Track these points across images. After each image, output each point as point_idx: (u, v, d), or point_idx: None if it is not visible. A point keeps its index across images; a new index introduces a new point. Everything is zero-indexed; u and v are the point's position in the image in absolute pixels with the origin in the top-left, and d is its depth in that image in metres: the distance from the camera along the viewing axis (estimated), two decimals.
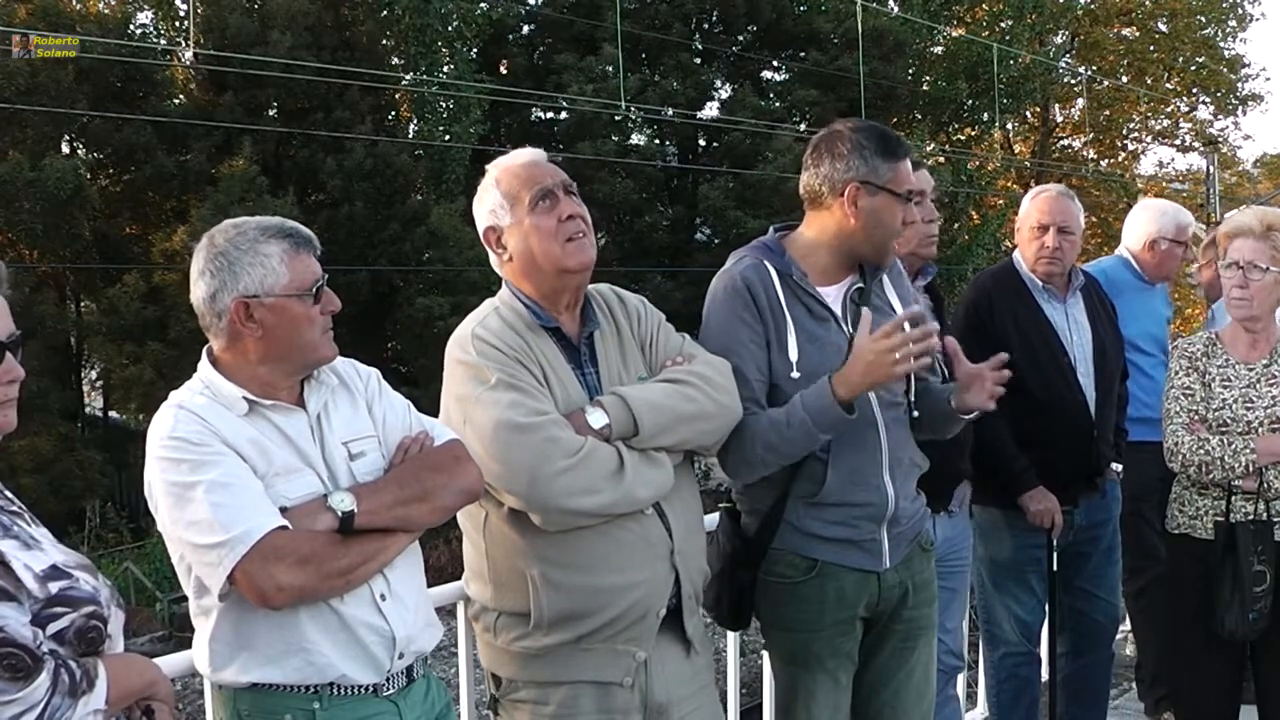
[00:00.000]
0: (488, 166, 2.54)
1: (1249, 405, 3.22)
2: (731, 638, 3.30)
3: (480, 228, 2.51)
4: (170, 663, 2.31)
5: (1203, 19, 36.03)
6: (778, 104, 25.95)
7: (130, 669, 1.78)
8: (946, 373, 2.76)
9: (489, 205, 2.47)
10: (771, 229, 2.82)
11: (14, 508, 1.80)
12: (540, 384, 2.37)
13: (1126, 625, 5.04)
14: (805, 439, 2.54)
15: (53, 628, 1.66)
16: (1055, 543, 3.69)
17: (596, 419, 2.36)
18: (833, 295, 2.69)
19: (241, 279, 2.07)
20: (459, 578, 2.64)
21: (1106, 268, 4.42)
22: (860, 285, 2.71)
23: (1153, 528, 4.35)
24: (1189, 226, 4.58)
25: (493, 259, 2.52)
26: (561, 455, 2.27)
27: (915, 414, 2.67)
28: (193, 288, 2.12)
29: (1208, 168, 32.22)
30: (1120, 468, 4.00)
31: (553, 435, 2.28)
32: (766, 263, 2.68)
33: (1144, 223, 4.51)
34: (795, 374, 2.59)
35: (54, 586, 1.68)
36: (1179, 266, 4.61)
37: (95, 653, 1.72)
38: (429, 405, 2.41)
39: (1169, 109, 37.60)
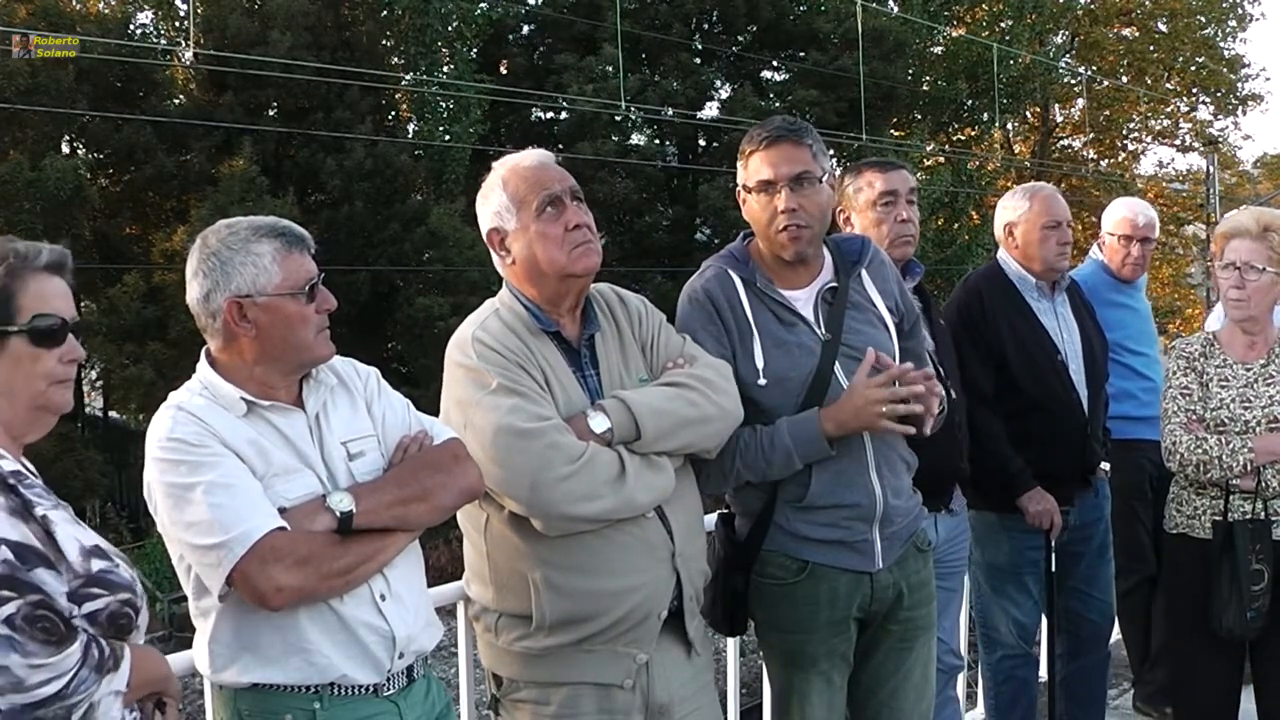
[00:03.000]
0: (494, 164, 2.52)
1: (1247, 405, 3.22)
2: (732, 638, 3.30)
3: (484, 228, 2.50)
4: (170, 663, 2.31)
5: (1203, 19, 36.03)
6: (778, 104, 25.90)
7: (149, 660, 1.83)
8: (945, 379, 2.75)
9: (494, 206, 2.46)
10: (740, 235, 2.82)
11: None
12: (541, 388, 2.36)
13: None
14: (785, 463, 2.56)
15: (88, 607, 1.70)
16: (1053, 543, 3.70)
17: (598, 423, 2.35)
18: (802, 298, 2.68)
19: (234, 279, 2.07)
20: (459, 578, 2.64)
21: (1086, 274, 4.41)
22: (834, 285, 2.69)
23: (1145, 527, 4.37)
24: (1137, 214, 4.45)
25: (495, 260, 2.51)
26: (563, 461, 2.27)
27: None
28: (188, 288, 2.13)
29: (1208, 168, 32.22)
30: (1107, 466, 4.01)
31: (554, 441, 2.28)
32: (731, 271, 2.68)
33: (1103, 224, 4.50)
34: (761, 380, 2.59)
35: (95, 565, 1.72)
36: (1140, 260, 4.46)
37: (123, 639, 1.76)
38: (429, 405, 2.40)
39: (1169, 109, 37.59)
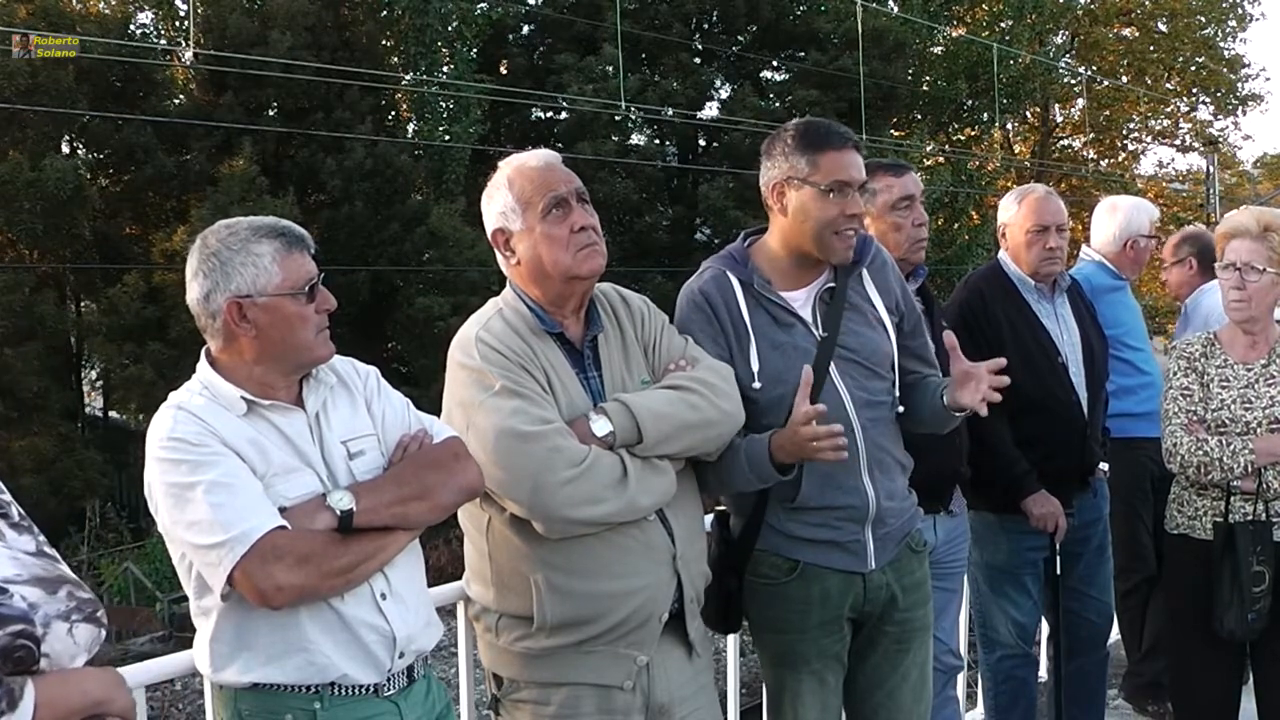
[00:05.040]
0: (500, 164, 2.52)
1: (1247, 405, 3.22)
2: (732, 638, 3.30)
3: (489, 228, 2.49)
4: (171, 663, 2.32)
5: (1203, 19, 36.04)
6: (778, 104, 25.88)
7: (70, 688, 1.67)
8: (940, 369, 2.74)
9: (499, 207, 2.45)
10: (741, 235, 2.81)
11: None
12: (544, 390, 2.36)
13: None
14: (746, 481, 2.55)
15: None
16: (1058, 545, 3.69)
17: (600, 427, 2.35)
18: (800, 299, 2.68)
19: (234, 279, 2.07)
20: (459, 578, 2.64)
21: (1088, 274, 4.42)
22: (832, 285, 2.69)
23: (1146, 527, 4.37)
24: (1156, 217, 4.61)
25: (500, 259, 2.51)
26: (565, 465, 2.27)
27: (901, 408, 2.66)
28: (188, 289, 2.13)
29: (1208, 168, 32.21)
30: (1105, 466, 4.01)
31: (556, 445, 2.28)
32: (729, 273, 2.68)
33: (1118, 225, 4.50)
34: (756, 384, 2.58)
35: None
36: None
37: (26, 672, 1.62)
38: (430, 406, 2.40)
39: (1169, 109, 37.61)
